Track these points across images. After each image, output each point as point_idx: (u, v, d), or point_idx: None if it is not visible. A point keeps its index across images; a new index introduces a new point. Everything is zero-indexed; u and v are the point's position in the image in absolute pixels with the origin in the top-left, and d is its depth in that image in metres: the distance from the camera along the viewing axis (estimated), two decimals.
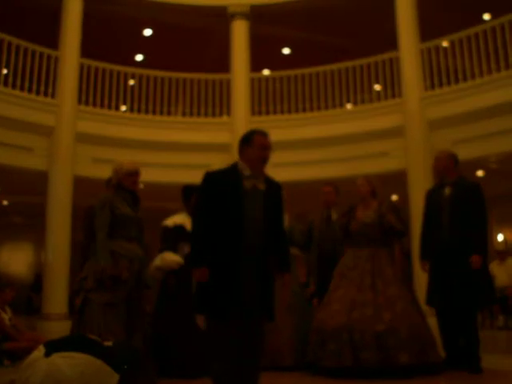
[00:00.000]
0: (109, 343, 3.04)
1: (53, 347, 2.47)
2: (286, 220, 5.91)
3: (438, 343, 5.26)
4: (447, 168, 5.51)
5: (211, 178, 3.71)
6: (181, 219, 5.45)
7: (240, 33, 11.43)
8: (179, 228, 5.36)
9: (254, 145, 3.71)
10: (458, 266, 5.14)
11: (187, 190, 5.59)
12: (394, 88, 10.38)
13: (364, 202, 5.60)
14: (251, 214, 3.59)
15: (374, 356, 4.75)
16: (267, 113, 11.16)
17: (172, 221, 5.48)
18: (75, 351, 2.46)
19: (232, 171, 3.73)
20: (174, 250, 5.30)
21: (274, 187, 3.80)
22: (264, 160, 3.71)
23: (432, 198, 5.63)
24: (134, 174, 4.57)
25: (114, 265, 4.30)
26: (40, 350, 2.48)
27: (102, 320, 4.21)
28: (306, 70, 11.24)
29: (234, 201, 3.59)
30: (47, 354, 2.42)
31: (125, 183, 4.54)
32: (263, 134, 3.79)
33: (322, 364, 4.97)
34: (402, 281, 5.25)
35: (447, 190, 5.45)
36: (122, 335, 4.23)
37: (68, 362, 2.38)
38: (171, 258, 5.21)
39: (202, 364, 4.65)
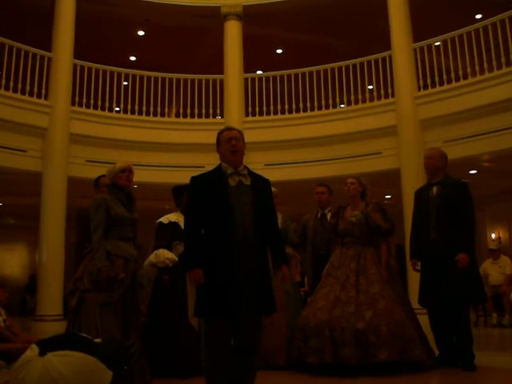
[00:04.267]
0: (98, 340, 3.04)
1: (46, 346, 2.47)
2: (280, 219, 5.94)
3: (430, 341, 5.29)
4: (438, 167, 5.53)
5: (197, 180, 3.78)
6: (175, 217, 5.48)
7: (233, 33, 11.46)
8: (174, 224, 5.38)
9: (221, 141, 3.84)
10: (447, 265, 5.17)
11: (177, 190, 5.62)
12: (386, 88, 10.42)
13: (353, 202, 5.66)
14: (240, 209, 3.63)
15: (354, 353, 4.80)
16: (260, 113, 11.18)
17: (166, 218, 5.51)
18: (69, 349, 2.46)
19: (216, 171, 3.81)
20: (169, 247, 5.32)
21: (260, 181, 3.85)
22: (232, 149, 3.77)
23: (420, 197, 5.65)
24: (126, 170, 4.58)
25: (110, 265, 4.31)
26: (33, 350, 2.48)
27: (98, 320, 4.22)
28: (300, 70, 11.27)
29: (222, 198, 3.64)
30: (41, 354, 2.42)
31: (119, 181, 4.55)
32: (227, 129, 3.92)
33: (305, 360, 5.01)
34: (386, 279, 5.29)
35: (435, 190, 5.48)
36: (118, 335, 4.23)
37: (63, 360, 2.38)
38: (165, 254, 5.22)
39: (194, 363, 4.67)
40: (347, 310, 5.01)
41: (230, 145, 3.77)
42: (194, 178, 3.80)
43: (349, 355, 4.80)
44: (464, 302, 5.26)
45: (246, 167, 3.82)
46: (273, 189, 5.30)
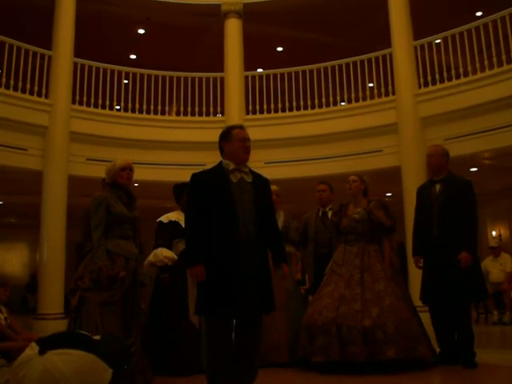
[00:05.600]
0: (97, 337, 3.03)
1: (46, 345, 2.46)
2: (282, 218, 5.94)
3: (432, 338, 5.29)
4: (440, 165, 5.52)
5: (198, 178, 3.77)
6: (175, 216, 5.48)
7: (233, 31, 11.44)
8: (174, 223, 5.39)
9: (234, 139, 3.82)
10: (449, 263, 5.16)
11: (178, 188, 5.61)
12: (387, 85, 10.41)
13: (355, 199, 5.65)
14: (242, 206, 3.63)
15: (361, 350, 4.79)
16: (261, 111, 11.17)
17: (166, 217, 5.50)
18: (68, 347, 2.45)
19: (217, 168, 3.80)
20: (169, 246, 5.32)
21: (260, 179, 3.86)
22: (246, 150, 3.77)
23: (422, 194, 5.64)
24: (127, 169, 4.57)
25: (111, 264, 4.30)
26: (33, 348, 2.47)
27: (99, 319, 4.21)
28: (300, 68, 11.26)
29: (224, 195, 3.63)
30: (41, 352, 2.41)
31: (119, 179, 4.54)
32: (240, 127, 3.92)
33: (311, 359, 5.00)
34: (390, 276, 5.28)
35: (437, 187, 5.46)
36: (119, 334, 4.23)
37: (63, 358, 2.37)
38: (164, 253, 5.23)
39: (195, 361, 4.67)
40: (353, 307, 4.99)
41: (245, 145, 3.78)
42: (194, 175, 3.79)
43: (356, 353, 4.78)
44: (466, 300, 5.26)
45: (246, 165, 3.83)
46: (274, 187, 5.32)
